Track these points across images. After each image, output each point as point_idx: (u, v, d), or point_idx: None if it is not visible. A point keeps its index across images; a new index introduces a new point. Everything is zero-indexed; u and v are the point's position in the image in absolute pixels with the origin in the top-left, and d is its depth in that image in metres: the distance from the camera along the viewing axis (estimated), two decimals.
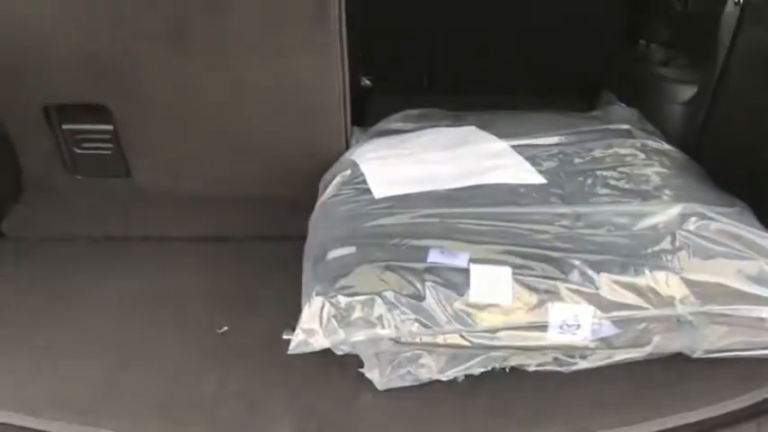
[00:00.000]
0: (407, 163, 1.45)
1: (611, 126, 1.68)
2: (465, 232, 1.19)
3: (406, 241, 1.17)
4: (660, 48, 2.44)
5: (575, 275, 1.11)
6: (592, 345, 1.13)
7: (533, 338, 1.12)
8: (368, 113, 2.11)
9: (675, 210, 1.20)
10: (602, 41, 2.59)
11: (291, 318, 1.25)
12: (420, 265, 1.12)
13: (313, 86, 1.55)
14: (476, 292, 1.10)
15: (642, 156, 1.51)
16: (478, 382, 1.16)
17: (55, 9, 1.46)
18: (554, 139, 1.58)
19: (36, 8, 1.47)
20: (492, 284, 1.11)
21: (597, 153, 1.51)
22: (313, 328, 1.09)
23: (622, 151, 1.53)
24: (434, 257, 1.13)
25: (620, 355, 1.18)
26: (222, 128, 1.63)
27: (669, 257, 1.13)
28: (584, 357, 1.18)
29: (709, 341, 1.17)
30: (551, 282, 1.11)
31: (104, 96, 1.59)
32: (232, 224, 1.66)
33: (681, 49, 2.30)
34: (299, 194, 1.61)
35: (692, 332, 1.16)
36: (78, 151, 1.71)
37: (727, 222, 1.18)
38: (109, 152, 1.71)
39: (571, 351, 1.16)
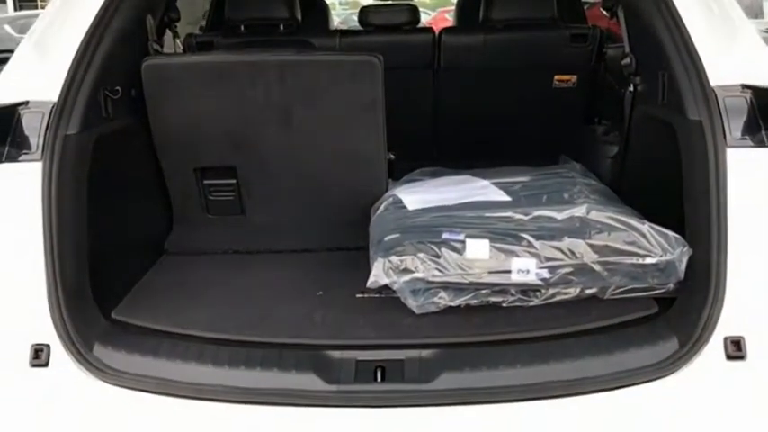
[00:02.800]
0: (427, 193, 2.36)
1: (563, 171, 2.58)
2: (463, 224, 2.07)
3: (429, 229, 2.05)
4: (605, 124, 3.40)
5: (524, 243, 1.98)
6: (537, 282, 1.98)
7: (503, 278, 1.97)
8: (393, 174, 3.02)
9: (582, 208, 2.08)
10: (568, 122, 3.54)
11: (360, 287, 2.12)
12: (438, 239, 2.00)
13: (367, 150, 2.47)
14: (470, 253, 1.97)
15: (575, 186, 2.40)
16: (473, 310, 2.01)
17: (211, 106, 2.40)
18: (520, 179, 2.49)
19: (200, 106, 2.41)
20: (478, 249, 1.98)
21: (546, 184, 2.41)
22: (379, 274, 1.96)
23: (563, 184, 2.43)
24: (446, 236, 2.01)
25: (559, 296, 2.02)
26: (308, 179, 2.54)
27: (578, 232, 2.00)
28: (536, 297, 2.03)
29: (612, 286, 2.01)
30: (512, 247, 1.98)
31: (234, 161, 2.51)
32: (313, 242, 2.54)
33: (614, 123, 3.25)
34: (357, 220, 2.50)
35: (598, 278, 2.00)
36: (212, 198, 2.62)
37: (611, 213, 2.05)
38: (232, 198, 2.61)
39: (527, 289, 2.01)
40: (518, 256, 1.97)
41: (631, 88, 2.50)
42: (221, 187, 2.59)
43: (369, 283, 1.98)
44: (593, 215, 2.05)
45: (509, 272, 1.97)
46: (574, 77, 3.45)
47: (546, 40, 3.37)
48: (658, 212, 2.14)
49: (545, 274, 1.98)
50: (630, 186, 2.53)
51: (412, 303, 1.99)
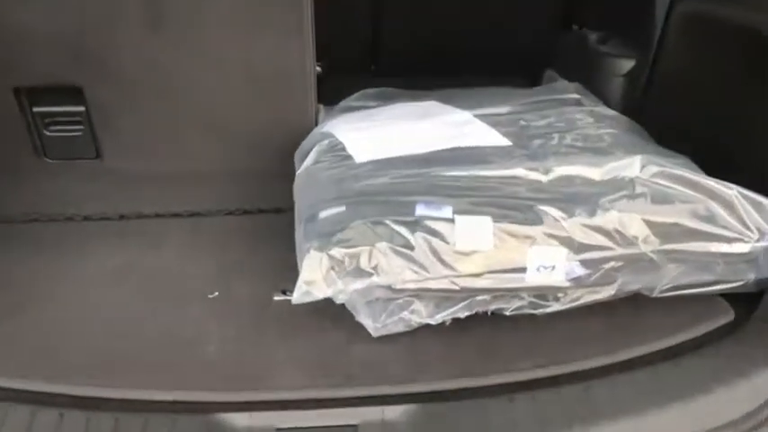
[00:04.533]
0: (382, 132, 1.54)
1: (562, 96, 1.81)
2: (446, 188, 1.28)
3: (393, 198, 1.26)
4: (594, 31, 2.61)
5: (549, 221, 1.22)
6: (566, 284, 1.24)
7: (514, 281, 1.22)
8: (321, 96, 2.19)
9: (632, 161, 1.33)
10: (541, 27, 2.73)
11: (280, 282, 1.34)
12: (408, 218, 1.21)
13: (284, 65, 1.62)
14: (461, 241, 1.20)
15: (591, 120, 1.64)
16: (464, 325, 1.26)
17: None
18: (511, 109, 1.70)
19: None
20: (475, 233, 1.20)
21: (552, 119, 1.64)
22: (314, 280, 1.16)
23: (574, 116, 1.66)
24: (421, 211, 1.22)
25: (587, 297, 1.30)
26: (195, 106, 1.68)
27: (631, 202, 1.26)
28: (556, 299, 1.29)
29: (666, 279, 1.30)
30: (528, 228, 1.22)
31: (79, 77, 1.61)
32: (207, 200, 1.71)
33: (615, 28, 2.47)
34: (272, 169, 1.68)
35: (652, 271, 1.28)
36: (48, 134, 1.73)
37: (677, 170, 1.31)
38: (79, 133, 1.73)
39: (546, 293, 1.27)
40: (538, 242, 1.21)
41: None
42: (62, 117, 1.70)
43: (296, 297, 1.19)
44: (650, 172, 1.30)
45: (523, 270, 1.22)
46: None
47: None
48: (712, 166, 1.43)
49: (579, 270, 1.24)
50: (659, 121, 1.78)
51: (368, 323, 1.22)
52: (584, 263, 1.23)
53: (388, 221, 1.20)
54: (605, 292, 1.30)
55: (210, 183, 1.73)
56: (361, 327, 1.24)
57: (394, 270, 1.17)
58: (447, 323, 1.25)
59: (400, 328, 1.23)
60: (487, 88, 1.96)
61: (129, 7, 1.49)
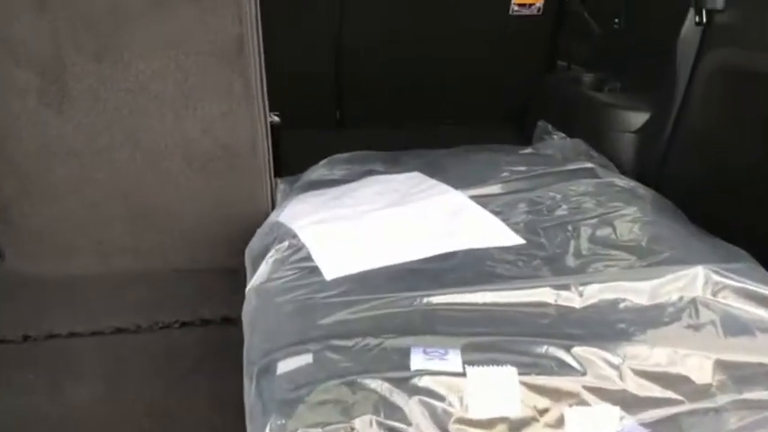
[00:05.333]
0: (355, 227, 1.20)
1: (571, 166, 1.50)
2: (448, 321, 0.95)
3: (378, 341, 0.91)
4: (583, 70, 2.33)
5: (594, 368, 0.89)
6: None
7: None
8: (281, 154, 1.86)
9: (688, 273, 1.01)
10: (527, 68, 2.46)
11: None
12: (401, 374, 0.87)
13: (230, 137, 1.28)
14: (477, 405, 0.86)
15: (615, 199, 1.32)
16: None
17: None
18: (514, 186, 1.38)
19: None
20: (495, 392, 0.87)
21: (566, 199, 1.32)
22: None
23: (593, 196, 1.34)
24: (418, 362, 0.88)
25: None
26: (120, 195, 1.32)
27: (698, 335, 0.93)
28: None
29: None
30: (566, 380, 0.88)
31: None
32: (136, 310, 1.35)
33: (611, 71, 2.18)
34: (217, 266, 1.34)
35: (718, 421, 0.96)
36: None
37: (750, 285, 0.99)
38: None
39: None
40: (581, 401, 0.88)
41: (696, 18, 1.42)
42: None
43: None
44: (717, 289, 0.98)
45: None
46: (540, 1, 2.35)
47: None
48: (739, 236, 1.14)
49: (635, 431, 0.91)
50: (682, 188, 1.48)
51: None
52: (643, 424, 0.90)
53: (372, 381, 0.86)
54: None
55: (139, 287, 1.38)
56: None
57: None
58: None
59: None
60: (479, 152, 1.64)
61: (23, 79, 1.13)
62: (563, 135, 1.89)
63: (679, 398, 0.90)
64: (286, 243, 1.17)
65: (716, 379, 0.91)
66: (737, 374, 0.92)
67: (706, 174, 1.49)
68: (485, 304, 0.97)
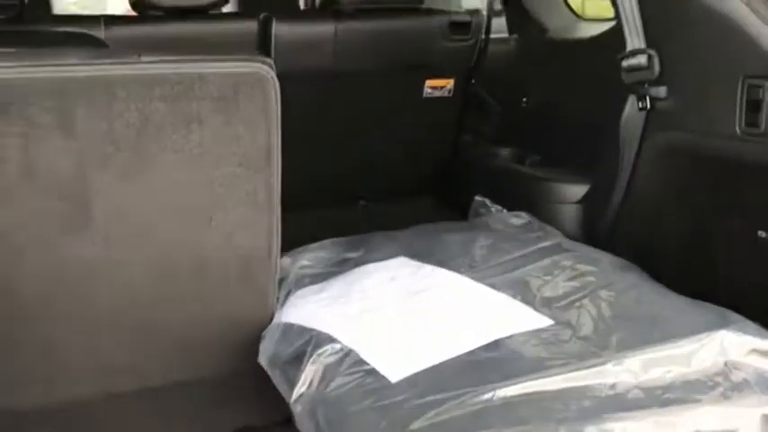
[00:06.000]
0: (387, 323, 1.22)
1: (542, 244, 1.61)
2: (533, 409, 0.99)
3: None
4: (493, 145, 2.52)
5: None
6: None
7: None
8: None
9: (708, 338, 1.13)
10: (438, 144, 2.61)
11: None
12: None
13: (250, 246, 1.26)
14: None
15: (595, 274, 1.44)
16: None
17: None
18: (505, 267, 1.47)
19: None
20: None
21: (558, 278, 1.42)
22: None
23: (576, 270, 1.46)
24: None
25: None
26: (127, 311, 1.25)
27: (740, 395, 1.05)
28: None
29: None
30: None
31: None
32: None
33: (522, 146, 2.38)
34: (223, 373, 1.30)
35: None
36: None
37: (757, 340, 1.14)
38: None
39: None
40: None
41: (639, 104, 1.61)
42: None
43: None
44: (736, 350, 1.11)
45: None
46: (450, 82, 2.51)
47: (418, 30, 2.37)
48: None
49: None
50: (633, 255, 1.64)
51: None
52: None
53: None
54: None
55: (142, 408, 1.30)
56: None
57: None
58: None
59: None
60: (446, 233, 1.72)
61: (45, 207, 1.06)
62: (500, 208, 2.01)
63: None
64: (328, 347, 1.16)
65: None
66: None
67: (653, 243, 1.67)
68: (565, 389, 1.03)
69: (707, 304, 1.33)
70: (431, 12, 2.40)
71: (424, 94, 2.51)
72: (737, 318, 1.24)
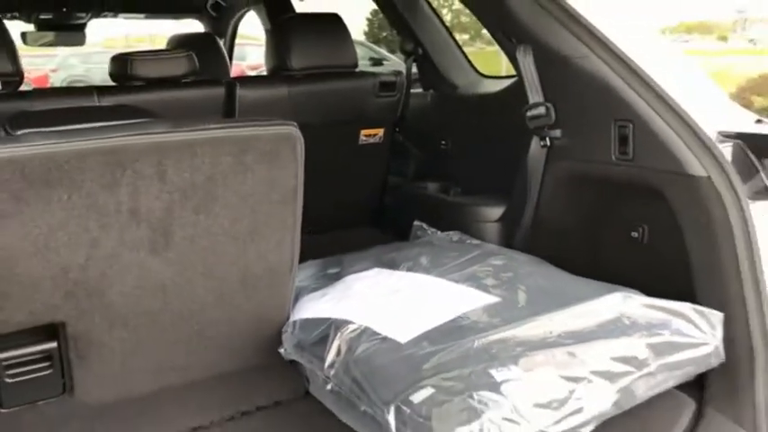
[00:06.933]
0: (387, 307, 1.68)
1: (479, 251, 2.10)
2: (506, 349, 1.47)
3: (469, 370, 1.41)
4: (417, 182, 3.05)
5: (587, 365, 1.48)
6: (610, 410, 1.49)
7: (579, 418, 1.43)
8: None
9: (618, 299, 1.66)
10: (373, 183, 3.09)
11: None
12: (489, 380, 1.37)
13: (276, 262, 1.68)
14: (533, 391, 1.39)
15: (521, 267, 1.95)
16: None
17: (26, 229, 1.36)
18: (458, 268, 1.95)
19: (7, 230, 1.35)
20: (545, 383, 1.41)
21: (496, 271, 1.92)
22: None
23: (508, 265, 1.96)
24: (498, 375, 1.40)
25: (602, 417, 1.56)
26: (184, 318, 1.63)
27: (635, 330, 1.57)
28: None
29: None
30: (574, 371, 1.46)
31: (64, 313, 1.48)
32: (198, 412, 1.63)
33: (444, 181, 2.92)
34: (249, 365, 1.70)
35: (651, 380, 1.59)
36: (8, 380, 1.52)
37: (645, 299, 1.67)
38: (48, 373, 1.55)
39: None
40: (589, 381, 1.46)
41: (542, 143, 2.16)
42: (28, 360, 1.53)
43: None
44: (632, 305, 1.64)
45: (580, 409, 1.44)
46: (381, 131, 3.02)
47: (354, 89, 2.87)
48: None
49: (616, 395, 1.50)
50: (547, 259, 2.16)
51: None
52: (619, 391, 1.50)
53: (477, 394, 1.35)
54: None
55: (187, 397, 1.66)
56: None
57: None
58: None
59: None
60: (409, 248, 2.18)
61: (139, 235, 1.45)
62: (435, 230, 2.51)
63: (632, 369, 1.52)
64: (348, 327, 1.60)
65: (650, 354, 1.55)
66: (661, 350, 1.57)
67: (558, 248, 2.19)
68: (514, 336, 1.51)
69: (604, 282, 1.87)
70: (364, 74, 2.90)
71: (360, 142, 3.00)
72: (628, 288, 1.78)
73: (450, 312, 1.63)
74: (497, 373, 1.40)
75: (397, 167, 3.21)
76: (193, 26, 4.83)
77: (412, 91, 3.08)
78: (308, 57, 2.73)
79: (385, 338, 1.55)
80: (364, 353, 1.52)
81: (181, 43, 3.58)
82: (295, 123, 1.58)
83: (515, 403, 1.35)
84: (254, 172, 1.52)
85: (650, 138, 1.80)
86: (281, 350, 1.74)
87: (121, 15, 4.37)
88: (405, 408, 1.35)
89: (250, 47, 9.70)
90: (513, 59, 2.19)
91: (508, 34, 2.16)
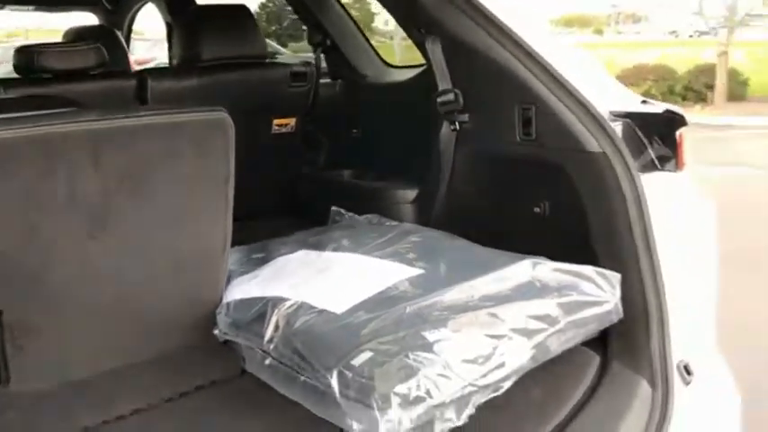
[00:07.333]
0: (322, 283, 1.77)
1: (398, 230, 2.23)
2: (436, 314, 1.60)
3: (404, 332, 1.52)
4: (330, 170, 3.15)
5: (505, 323, 1.63)
6: (528, 363, 1.64)
7: (504, 371, 1.58)
8: None
9: (527, 265, 1.82)
10: (286, 172, 3.16)
11: None
12: (423, 342, 1.50)
13: (209, 245, 1.73)
14: (464, 349, 1.53)
15: (439, 241, 2.10)
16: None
17: None
18: (379, 247, 2.07)
19: None
20: (474, 341, 1.55)
21: (417, 245, 2.05)
22: (395, 418, 1.37)
23: (426, 241, 2.10)
24: (431, 336, 1.52)
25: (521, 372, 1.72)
26: (120, 301, 1.66)
27: (547, 292, 1.74)
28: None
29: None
30: (496, 330, 1.61)
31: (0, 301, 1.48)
32: (138, 394, 1.67)
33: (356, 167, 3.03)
34: (182, 347, 1.75)
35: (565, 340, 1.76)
36: None
37: (552, 264, 1.84)
38: None
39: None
40: (509, 338, 1.61)
41: (452, 127, 2.31)
42: None
43: None
44: (541, 270, 1.81)
45: (503, 364, 1.59)
46: (293, 120, 3.10)
47: (266, 79, 2.93)
48: None
49: (533, 351, 1.66)
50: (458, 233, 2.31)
51: None
52: (535, 347, 1.66)
53: (413, 354, 1.47)
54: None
55: (124, 380, 1.69)
56: None
57: (437, 387, 1.44)
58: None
59: None
60: (334, 230, 2.28)
61: (76, 222, 1.47)
62: (352, 214, 2.61)
63: (546, 326, 1.69)
64: (284, 304, 1.68)
65: (560, 312, 1.72)
66: (569, 308, 1.74)
67: (469, 224, 2.35)
68: (441, 302, 1.64)
69: (514, 253, 2.03)
70: (275, 64, 2.97)
71: (273, 131, 3.06)
72: (537, 256, 1.95)
73: (380, 285, 1.75)
74: (429, 335, 1.52)
75: (309, 156, 3.30)
76: (84, 19, 4.71)
77: (321, 81, 3.17)
78: (217, 47, 2.76)
79: (322, 311, 1.64)
80: (303, 325, 1.61)
81: (80, 36, 3.51)
82: (225, 109, 1.64)
83: (447, 360, 1.48)
84: (186, 157, 1.57)
85: (551, 119, 1.98)
86: (216, 331, 1.80)
87: (9, 7, 4.22)
88: (347, 371, 1.45)
89: (136, 41, 9.49)
90: (422, 49, 2.32)
91: (417, 25, 2.29)
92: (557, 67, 2.00)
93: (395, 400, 1.38)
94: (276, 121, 3.04)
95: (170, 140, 1.54)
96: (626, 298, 1.85)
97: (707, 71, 15.50)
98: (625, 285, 1.85)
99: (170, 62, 2.92)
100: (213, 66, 2.77)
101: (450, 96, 2.25)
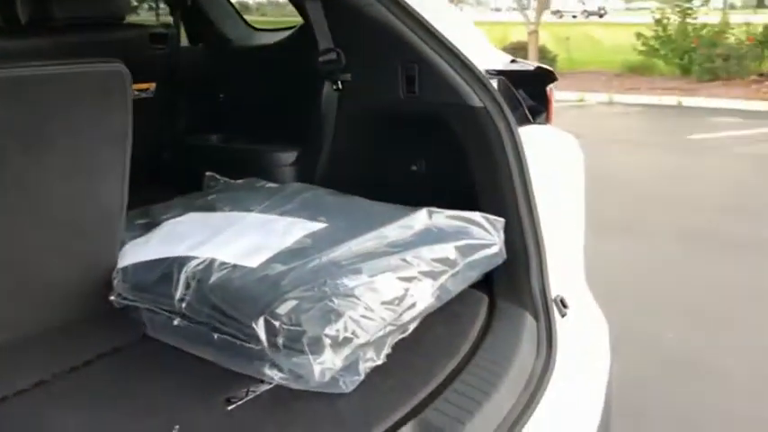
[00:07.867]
0: (226, 242, 1.74)
1: (287, 190, 2.23)
2: (346, 263, 1.64)
3: (323, 280, 1.56)
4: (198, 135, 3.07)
5: (412, 266, 1.72)
6: (434, 303, 1.74)
7: (414, 311, 1.66)
8: None
9: (424, 214, 1.91)
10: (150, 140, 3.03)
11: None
12: (345, 287, 1.54)
13: (107, 204, 1.65)
14: (383, 291, 1.60)
15: (332, 198, 2.14)
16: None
17: None
18: (275, 205, 2.07)
19: None
20: (390, 284, 1.62)
21: (310, 203, 2.08)
22: (328, 359, 1.40)
23: (319, 198, 2.14)
24: (350, 282, 1.57)
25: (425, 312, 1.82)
26: (10, 271, 1.54)
27: (444, 237, 1.84)
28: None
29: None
30: (405, 273, 1.69)
31: None
32: (36, 368, 1.57)
33: (231, 131, 2.97)
34: (79, 315, 1.68)
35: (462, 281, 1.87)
36: None
37: (444, 211, 1.95)
38: None
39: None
40: (418, 280, 1.70)
41: (334, 86, 2.35)
42: None
43: (317, 382, 1.40)
44: (437, 218, 1.91)
45: (414, 304, 1.67)
46: (152, 85, 2.97)
47: (122, 41, 2.78)
48: None
49: (438, 291, 1.76)
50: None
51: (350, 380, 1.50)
52: (439, 287, 1.76)
53: (336, 294, 1.51)
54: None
55: (20, 353, 1.58)
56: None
57: (361, 327, 1.50)
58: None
59: (362, 377, 1.54)
60: (204, 197, 2.23)
61: None
62: (228, 179, 2.57)
63: (446, 268, 1.79)
64: (192, 262, 1.65)
65: (458, 255, 1.83)
66: (465, 251, 1.85)
67: (354, 181, 2.40)
68: (351, 251, 1.69)
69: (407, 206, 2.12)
70: (132, 26, 2.82)
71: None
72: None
73: (287, 239, 1.76)
74: (348, 281, 1.57)
75: (166, 121, 3.17)
76: None
77: (181, 45, 3.06)
78: (72, 5, 2.58)
79: (235, 266, 1.63)
80: (219, 280, 1.59)
81: None
82: (121, 62, 1.57)
83: (368, 303, 1.53)
84: (84, 111, 1.49)
85: (434, 76, 2.07)
86: (112, 297, 1.73)
87: None
88: (273, 320, 1.46)
89: None
90: (300, 9, 2.33)
91: None
92: (437, 26, 2.09)
93: (326, 342, 1.42)
94: (135, 86, 2.89)
95: (67, 93, 1.45)
96: (508, 241, 2.00)
97: (520, 49, 16.62)
98: (507, 230, 2.00)
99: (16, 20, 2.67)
100: (67, 26, 2.59)
101: (333, 56, 2.28)
